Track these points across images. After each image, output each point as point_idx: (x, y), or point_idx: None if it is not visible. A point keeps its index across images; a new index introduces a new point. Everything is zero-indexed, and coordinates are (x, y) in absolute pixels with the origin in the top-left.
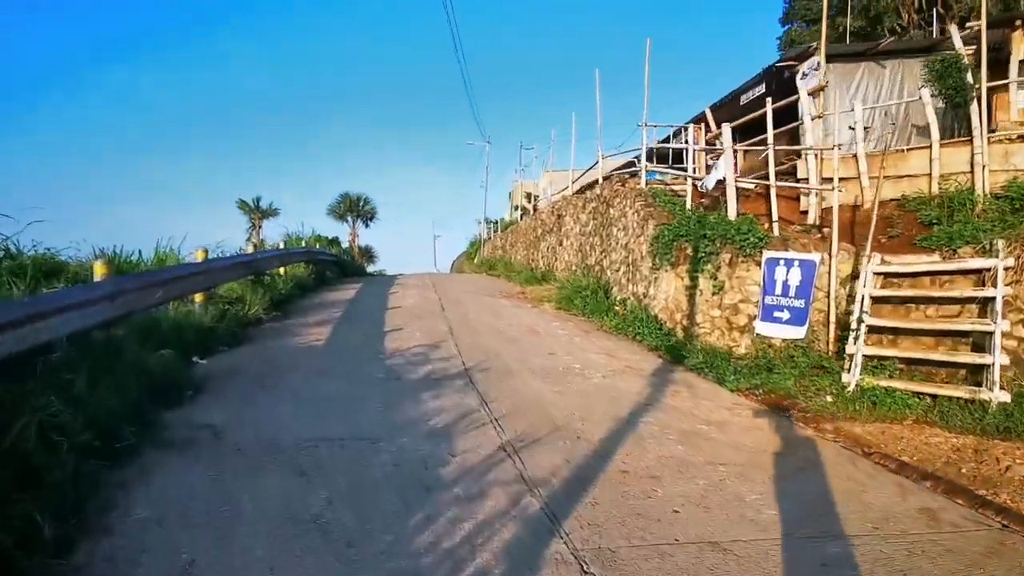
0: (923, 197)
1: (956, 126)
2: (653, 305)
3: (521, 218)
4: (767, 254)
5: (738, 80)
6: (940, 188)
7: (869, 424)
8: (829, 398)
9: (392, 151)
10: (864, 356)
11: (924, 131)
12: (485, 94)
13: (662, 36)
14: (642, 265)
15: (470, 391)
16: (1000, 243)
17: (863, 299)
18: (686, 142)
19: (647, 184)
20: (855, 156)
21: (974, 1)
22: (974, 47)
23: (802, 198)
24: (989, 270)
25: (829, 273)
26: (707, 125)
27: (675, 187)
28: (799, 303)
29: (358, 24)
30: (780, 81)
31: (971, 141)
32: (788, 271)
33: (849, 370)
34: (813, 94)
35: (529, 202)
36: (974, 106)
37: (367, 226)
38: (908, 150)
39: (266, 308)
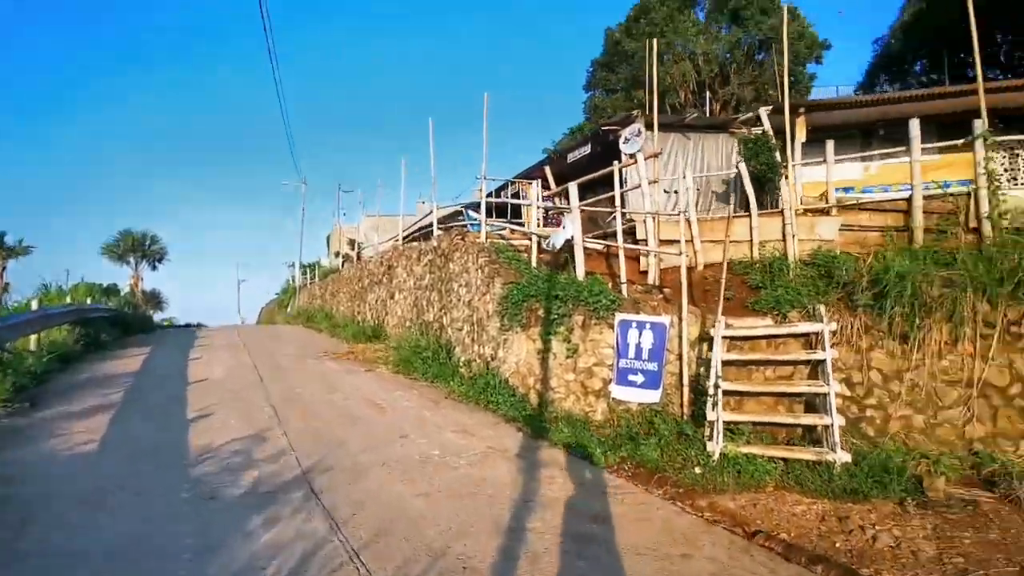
0: (747, 261)
1: (740, 198)
2: (503, 369)
3: (343, 265)
4: (620, 316)
5: (545, 137)
6: (760, 254)
7: (739, 496)
8: (697, 469)
9: (189, 187)
10: (723, 422)
11: (722, 197)
12: (304, 133)
13: (482, 89)
14: (489, 325)
15: (314, 508)
16: (822, 308)
17: (718, 364)
18: (514, 196)
19: (487, 238)
20: (688, 220)
21: (736, 89)
22: (761, 128)
23: (641, 259)
24: (817, 334)
25: (680, 336)
26: (544, 181)
27: (514, 242)
28: (652, 366)
29: (158, 48)
30: (605, 143)
31: (782, 212)
32: (640, 334)
33: (712, 437)
34: (649, 159)
35: (352, 248)
36: (783, 181)
37: (154, 268)
38: (734, 217)
39: (5, 399)
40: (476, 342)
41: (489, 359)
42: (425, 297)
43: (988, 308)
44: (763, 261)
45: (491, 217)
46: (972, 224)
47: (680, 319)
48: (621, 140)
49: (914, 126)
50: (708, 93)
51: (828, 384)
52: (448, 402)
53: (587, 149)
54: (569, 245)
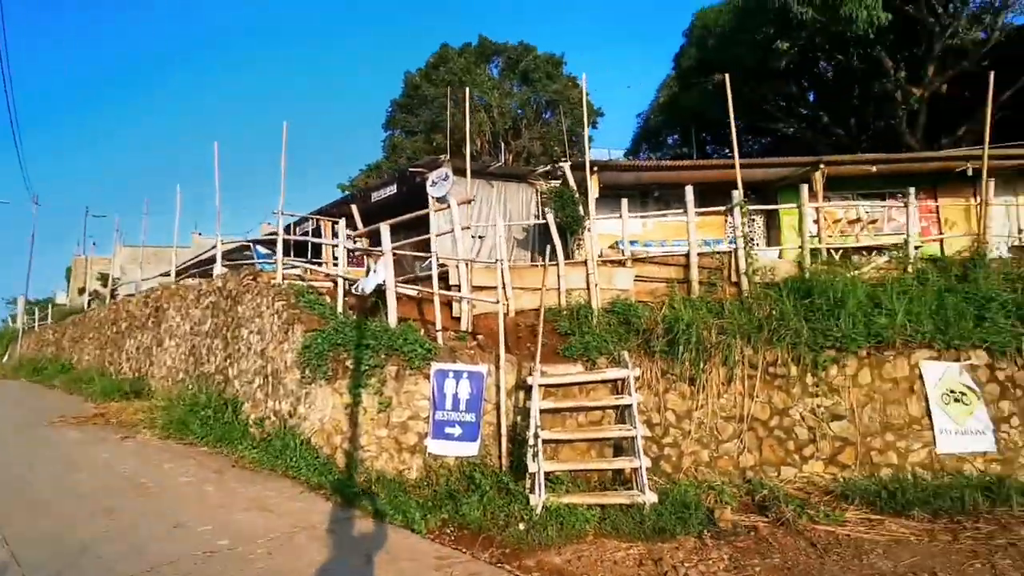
0: (556, 309)
1: (540, 246)
2: (305, 427)
3: (91, 304)
4: (436, 366)
5: (342, 172)
6: (567, 302)
7: (564, 549)
8: (522, 526)
9: None
10: (544, 473)
11: (523, 244)
12: (47, 143)
13: (279, 119)
14: (286, 377)
15: None
16: (626, 354)
17: (537, 413)
18: (313, 233)
19: (284, 278)
20: (502, 268)
21: (527, 143)
22: (560, 179)
23: (454, 304)
24: (623, 379)
25: (497, 385)
26: (350, 219)
27: (315, 283)
28: (470, 417)
29: None
30: (412, 185)
31: (585, 262)
32: (458, 383)
33: (534, 490)
34: (462, 204)
35: (104, 284)
36: (587, 233)
37: None
38: (546, 266)
39: None
40: (271, 397)
41: (287, 416)
42: (205, 344)
43: (751, 352)
44: (570, 309)
45: (287, 256)
46: (734, 279)
47: (497, 367)
48: (429, 183)
49: (689, 192)
50: (502, 144)
51: (635, 427)
52: (236, 471)
53: (393, 189)
54: (380, 290)
